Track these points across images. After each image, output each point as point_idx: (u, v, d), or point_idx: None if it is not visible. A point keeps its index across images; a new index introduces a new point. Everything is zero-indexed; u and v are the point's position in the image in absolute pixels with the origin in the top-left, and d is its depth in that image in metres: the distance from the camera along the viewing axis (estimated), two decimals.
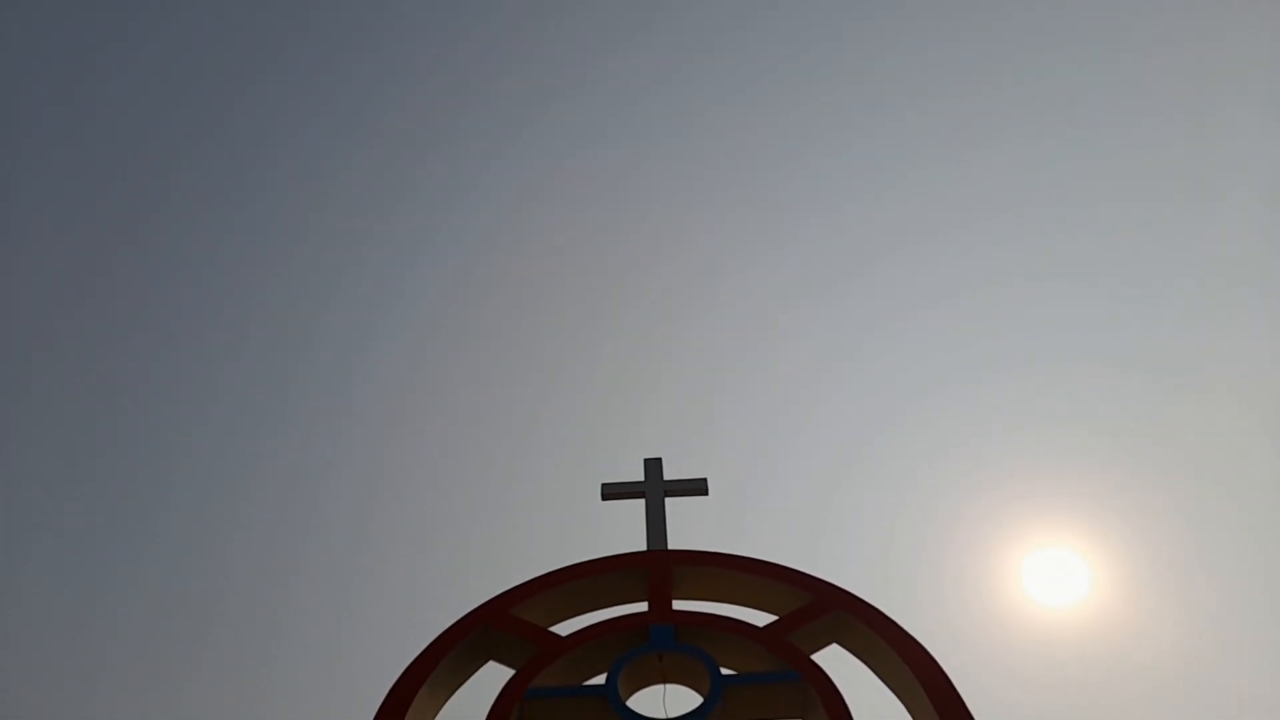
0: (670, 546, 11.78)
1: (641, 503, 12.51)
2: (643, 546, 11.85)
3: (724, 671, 10.08)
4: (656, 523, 12.10)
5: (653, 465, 13.01)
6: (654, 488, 12.58)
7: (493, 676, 10.53)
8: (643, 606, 11.08)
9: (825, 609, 10.58)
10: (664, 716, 9.73)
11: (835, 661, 10.17)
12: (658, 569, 11.33)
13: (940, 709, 9.12)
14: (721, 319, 38.46)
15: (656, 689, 10.48)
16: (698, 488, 12.64)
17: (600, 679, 10.26)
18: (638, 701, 10.15)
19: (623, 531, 12.63)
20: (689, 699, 10.22)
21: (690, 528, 13.12)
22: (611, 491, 12.75)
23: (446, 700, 10.51)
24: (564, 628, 11.08)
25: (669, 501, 12.57)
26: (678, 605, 10.99)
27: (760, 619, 10.84)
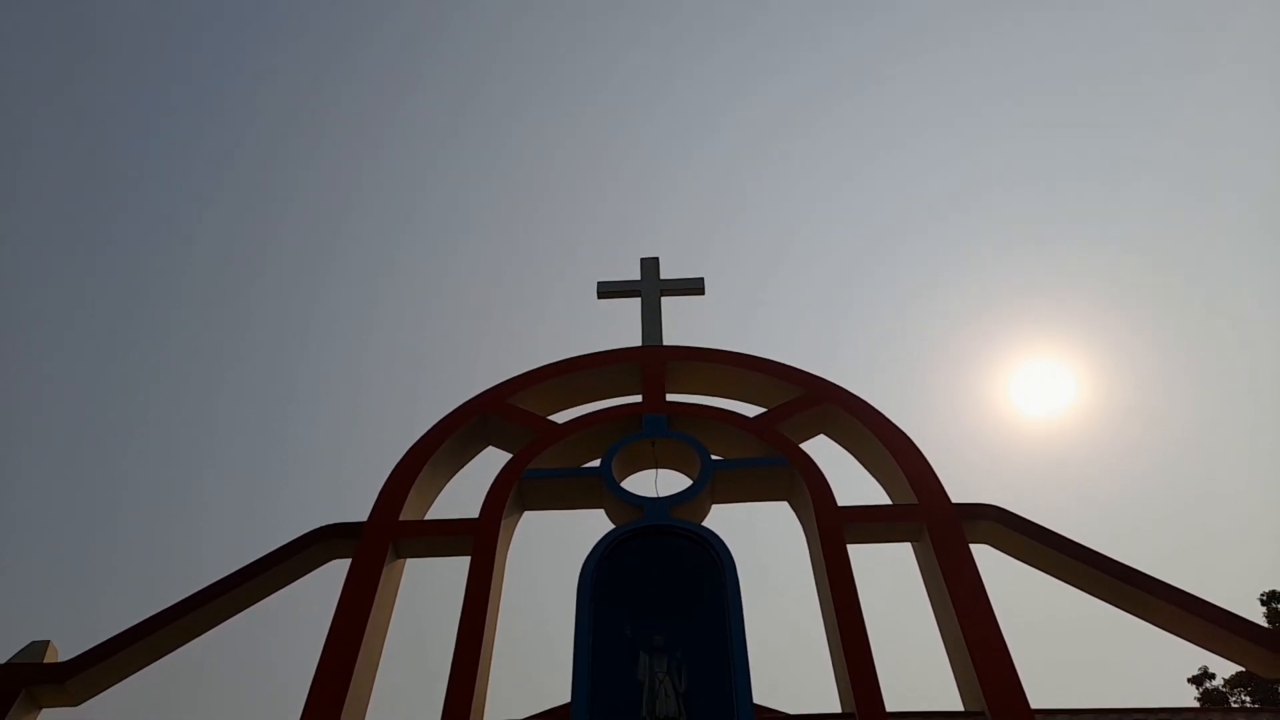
0: (665, 344, 11.94)
1: (638, 301, 12.57)
2: (638, 344, 12.00)
3: (714, 457, 10.46)
4: (652, 320, 12.19)
5: (649, 265, 12.97)
6: (650, 286, 12.59)
7: (493, 462, 10.92)
8: (637, 399, 11.37)
9: (815, 401, 10.86)
10: (655, 495, 10.17)
11: (820, 451, 10.55)
12: (652, 363, 11.53)
13: (919, 492, 9.53)
14: (727, 130, 37.48)
15: (648, 473, 10.92)
16: (694, 287, 12.65)
17: (595, 463, 10.67)
18: (630, 484, 10.59)
19: (620, 329, 12.77)
20: (680, 482, 10.67)
21: (686, 328, 13.27)
22: (607, 290, 12.78)
23: (449, 479, 10.96)
24: (560, 418, 11.41)
25: (666, 302, 12.64)
26: (671, 398, 11.27)
27: (751, 412, 11.15)
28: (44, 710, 8.30)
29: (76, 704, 8.31)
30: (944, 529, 9.01)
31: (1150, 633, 8.39)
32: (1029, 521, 9.08)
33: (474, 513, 9.67)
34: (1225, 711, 7.50)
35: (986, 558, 8.95)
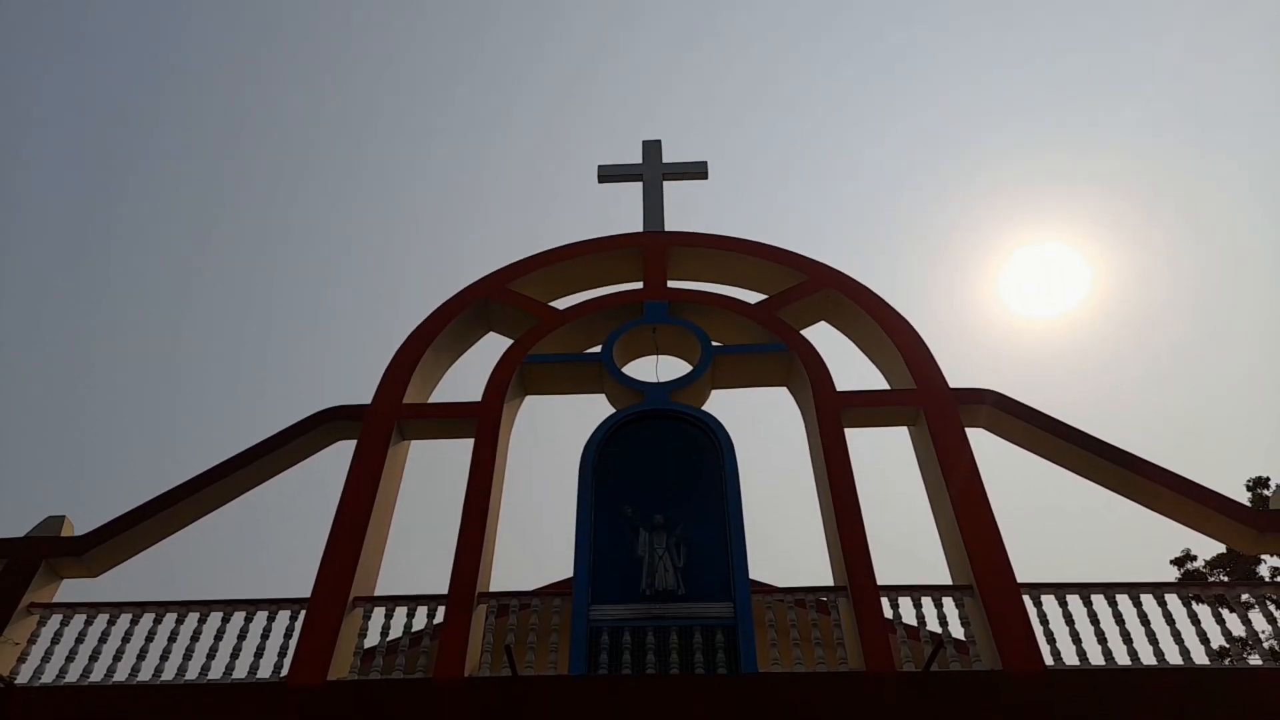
0: (667, 230, 11.82)
1: (639, 186, 12.38)
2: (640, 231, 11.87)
3: (714, 344, 10.51)
4: (654, 205, 12.02)
5: (651, 148, 12.71)
6: (652, 170, 12.37)
7: (495, 349, 10.95)
8: (638, 285, 11.34)
9: (816, 287, 10.83)
10: (656, 381, 10.28)
11: (820, 339, 10.58)
12: (653, 249, 11.44)
13: (918, 377, 9.61)
14: (732, 11, 36.08)
15: (649, 359, 10.99)
16: (697, 171, 12.43)
17: (596, 349, 10.73)
18: (631, 370, 10.67)
19: (621, 220, 12.60)
20: (680, 369, 10.75)
21: (688, 216, 13.09)
22: (609, 174, 12.56)
23: (451, 364, 11.04)
24: (561, 304, 11.41)
25: (668, 187, 12.45)
26: (672, 285, 11.24)
27: (752, 299, 11.14)
28: (64, 581, 8.62)
29: (95, 575, 8.62)
30: (941, 413, 9.13)
31: (1136, 519, 8.64)
32: (1025, 406, 9.20)
33: (477, 398, 9.78)
34: (1204, 585, 7.75)
35: (980, 442, 9.10)
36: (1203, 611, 7.69)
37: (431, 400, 10.48)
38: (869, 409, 9.44)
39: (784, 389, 10.57)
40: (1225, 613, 8.95)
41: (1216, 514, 8.20)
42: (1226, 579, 16.77)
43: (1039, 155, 34.80)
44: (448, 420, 9.69)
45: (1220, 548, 17.17)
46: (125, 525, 8.62)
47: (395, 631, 8.14)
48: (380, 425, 9.43)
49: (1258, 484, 17.62)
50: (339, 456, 9.44)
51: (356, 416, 9.62)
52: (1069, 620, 7.50)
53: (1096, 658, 7.33)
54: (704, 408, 10.12)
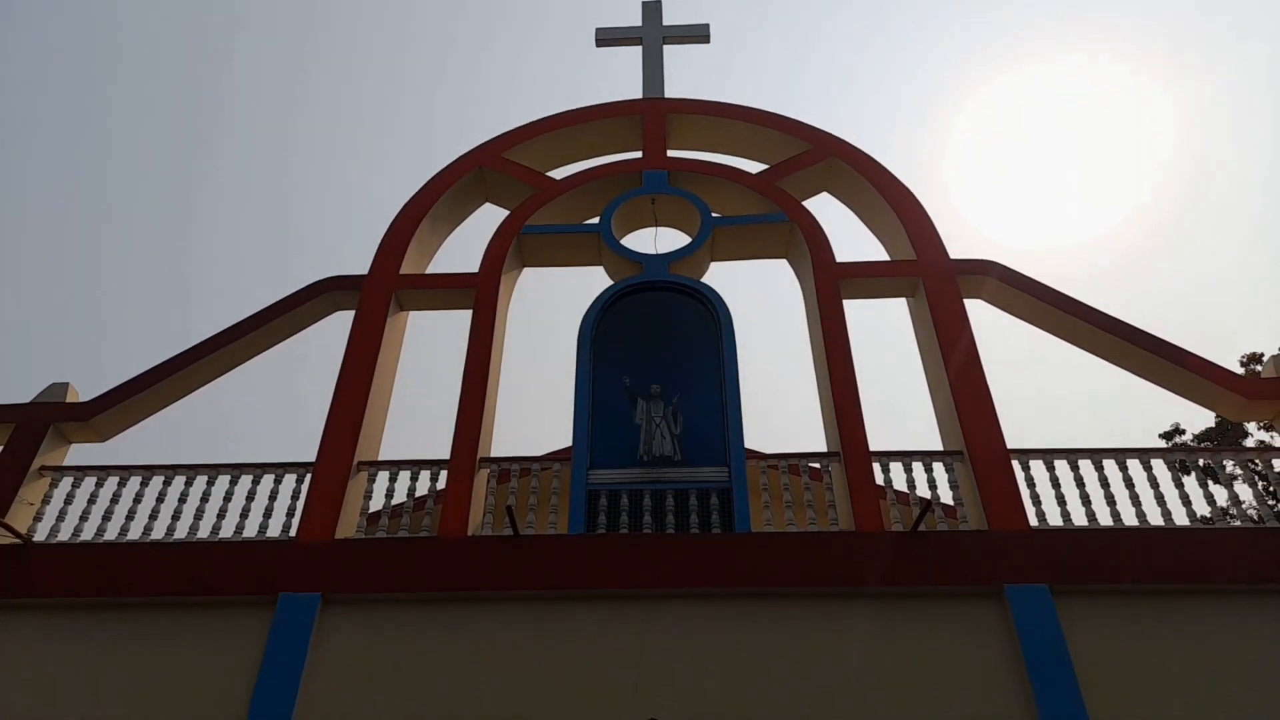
0: (667, 97, 11.49)
1: (639, 50, 11.96)
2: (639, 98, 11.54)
3: (714, 214, 10.38)
4: (653, 70, 11.65)
5: (651, 9, 12.21)
6: (652, 33, 11.92)
7: (491, 221, 10.82)
8: (637, 155, 11.11)
9: (820, 156, 10.61)
10: (654, 252, 10.20)
11: (821, 212, 10.43)
12: (653, 116, 11.16)
13: (919, 248, 9.53)
14: None
15: (648, 231, 10.88)
16: (698, 33, 11.98)
17: (594, 220, 10.59)
18: (629, 242, 10.57)
19: (621, 80, 12.21)
20: (679, 241, 10.66)
21: (689, 86, 12.67)
22: (607, 37, 12.11)
23: (447, 235, 10.94)
24: (559, 174, 11.20)
25: (669, 52, 12.03)
26: (672, 154, 11.01)
27: (754, 169, 10.93)
28: (73, 446, 8.80)
29: (103, 440, 8.80)
30: (940, 283, 9.11)
31: (1127, 397, 8.74)
32: (1025, 277, 9.17)
33: (474, 269, 9.72)
34: (1189, 450, 7.92)
35: (977, 315, 9.11)
36: (1190, 484, 7.88)
37: (429, 271, 10.44)
38: (868, 280, 9.41)
39: (783, 261, 10.51)
40: (1211, 484, 9.18)
41: (1207, 382, 8.30)
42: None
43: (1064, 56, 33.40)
44: (445, 291, 9.67)
45: (1208, 421, 17.47)
46: (130, 391, 8.74)
47: (399, 496, 8.38)
48: (377, 295, 9.42)
49: (1252, 359, 17.77)
50: (340, 327, 9.48)
51: (354, 286, 9.60)
52: (1055, 484, 7.69)
53: (1080, 520, 7.56)
54: (703, 280, 10.08)
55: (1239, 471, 15.82)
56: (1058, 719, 6.23)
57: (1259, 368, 17.40)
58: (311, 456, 8.18)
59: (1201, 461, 7.76)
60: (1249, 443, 16.77)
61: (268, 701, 6.56)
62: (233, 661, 6.82)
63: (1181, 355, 8.43)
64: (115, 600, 7.20)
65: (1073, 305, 8.96)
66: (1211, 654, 6.57)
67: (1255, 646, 6.59)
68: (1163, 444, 18.11)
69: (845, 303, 9.20)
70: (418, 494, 8.95)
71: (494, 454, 8.88)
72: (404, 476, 8.91)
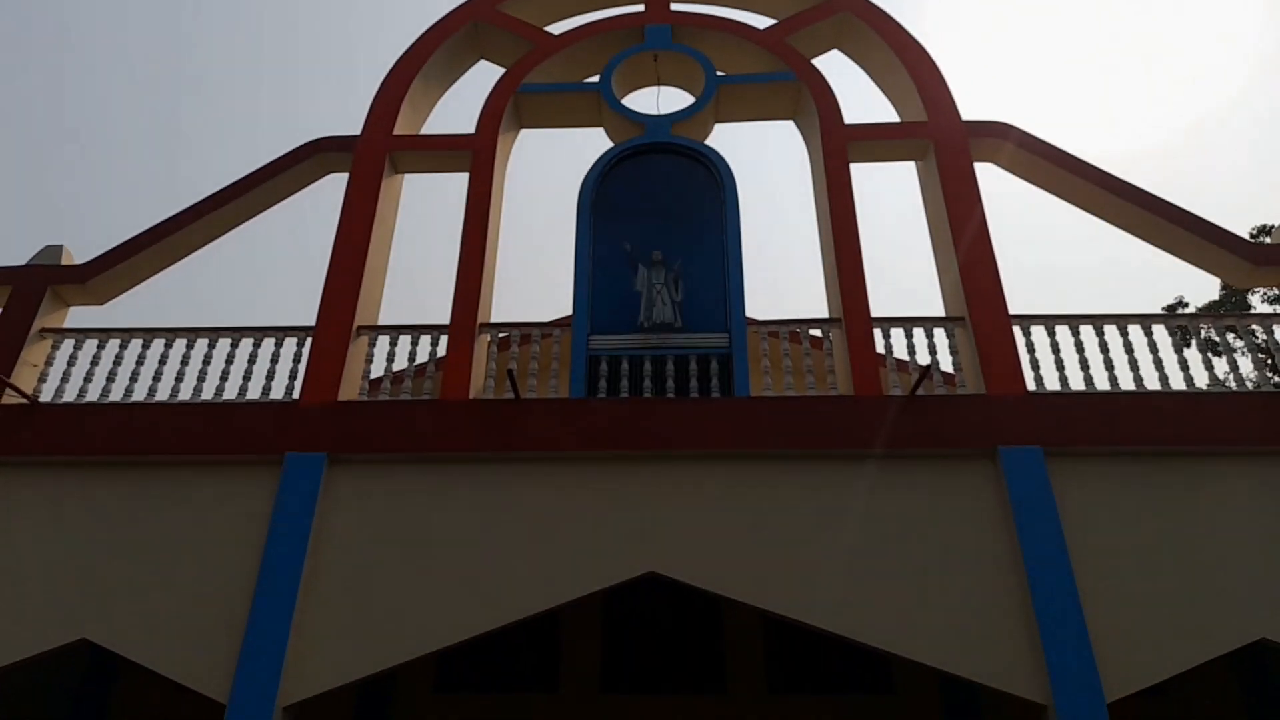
0: None
1: None
2: None
3: (719, 73, 9.99)
4: None
5: None
6: None
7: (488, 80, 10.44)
8: (639, 8, 10.61)
9: (830, 10, 10.12)
10: (656, 113, 9.88)
11: (830, 72, 10.05)
12: None
13: (930, 109, 9.22)
14: None
15: (650, 90, 10.51)
16: None
17: (594, 78, 10.20)
18: (631, 102, 10.23)
19: None
20: (682, 101, 10.31)
21: None
22: None
23: (441, 94, 10.57)
24: (557, 30, 10.73)
25: None
26: (676, 8, 10.51)
27: (761, 24, 10.46)
28: (72, 309, 8.77)
29: (102, 303, 8.76)
30: (950, 145, 8.85)
31: (1132, 268, 8.61)
32: (1037, 139, 8.91)
33: (470, 131, 9.44)
34: (1191, 317, 7.89)
35: (987, 182, 8.91)
36: (1191, 356, 7.87)
37: (424, 133, 10.14)
38: (877, 142, 9.14)
39: (789, 123, 10.20)
40: (1212, 357, 9.19)
41: (1215, 247, 8.18)
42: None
43: None
44: (441, 153, 9.42)
45: (1212, 295, 17.39)
46: (126, 253, 8.64)
47: (400, 361, 8.43)
48: (371, 156, 9.18)
49: (1261, 231, 17.53)
50: (337, 191, 9.29)
51: (347, 148, 9.35)
52: (1055, 349, 7.69)
53: (1078, 385, 7.61)
54: (707, 142, 9.81)
55: (1239, 343, 15.92)
56: (1044, 576, 6.43)
57: (1267, 239, 17.20)
58: (312, 321, 8.16)
59: (1203, 332, 7.71)
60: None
61: (279, 557, 6.76)
62: (243, 519, 7.00)
63: (1191, 220, 8.28)
64: (125, 459, 7.34)
65: (1085, 169, 8.74)
66: (1200, 515, 6.73)
67: (1244, 508, 6.74)
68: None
69: (853, 167, 8.98)
70: (418, 360, 9.02)
71: (496, 320, 8.85)
72: (404, 341, 8.99)
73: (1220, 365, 16.74)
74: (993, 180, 9.22)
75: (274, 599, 6.58)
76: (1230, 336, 13.87)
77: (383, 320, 8.87)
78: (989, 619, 6.39)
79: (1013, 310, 7.87)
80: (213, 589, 6.70)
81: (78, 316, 8.83)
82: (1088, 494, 6.82)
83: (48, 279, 8.47)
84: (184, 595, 6.69)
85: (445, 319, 8.24)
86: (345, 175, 9.19)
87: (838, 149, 8.96)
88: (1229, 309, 17.28)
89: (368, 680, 7.09)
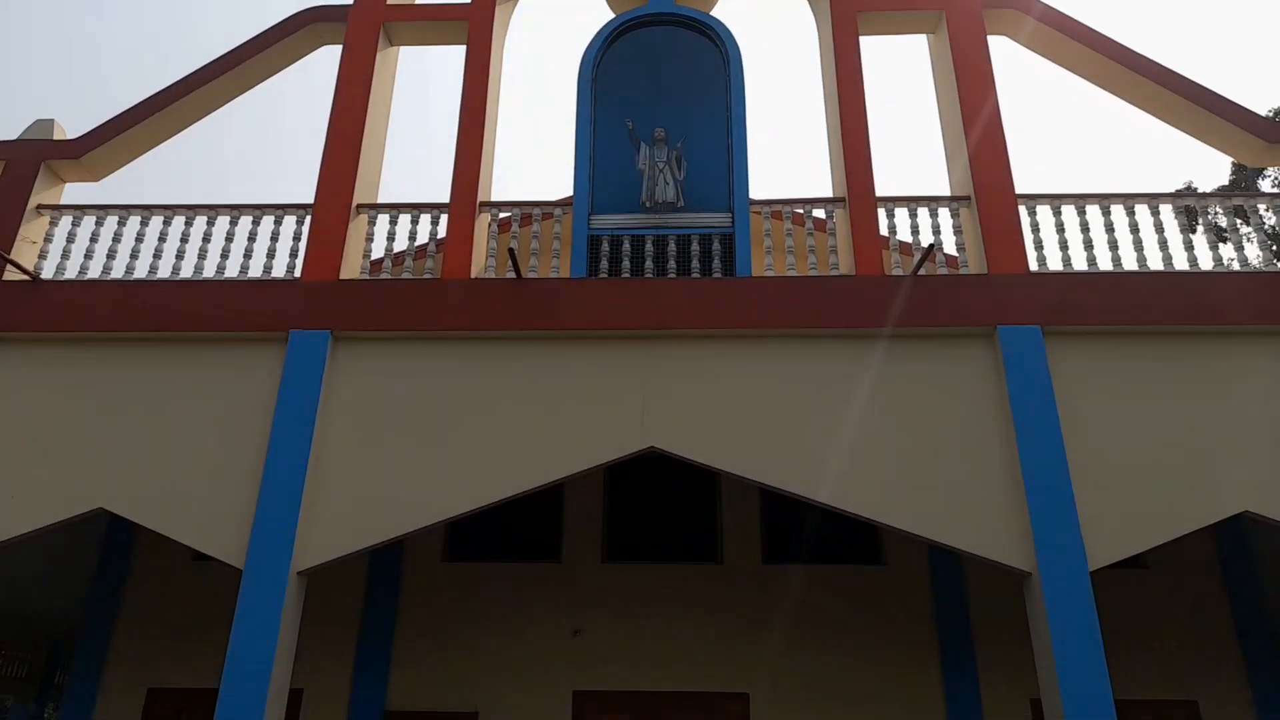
0: None
1: None
2: None
3: None
4: None
5: None
6: None
7: None
8: None
9: None
10: None
11: None
12: None
13: None
14: None
15: None
16: None
17: None
18: None
19: None
20: None
21: None
22: None
23: None
24: None
25: None
26: None
27: None
28: (68, 186, 8.68)
29: (97, 179, 8.66)
30: (964, 16, 8.54)
31: (1142, 150, 8.42)
32: (1055, 10, 8.58)
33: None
34: (1198, 196, 7.80)
35: (1001, 58, 8.62)
36: (1198, 241, 7.80)
37: (419, 2, 9.76)
38: (888, 13, 8.81)
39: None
40: (1219, 244, 9.11)
41: (1229, 123, 8.00)
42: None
43: None
44: (437, 23, 9.10)
45: (1222, 178, 17.11)
46: (118, 127, 8.48)
47: (401, 241, 8.39)
48: (364, 27, 8.88)
49: (1278, 113, 17.11)
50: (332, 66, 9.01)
51: (339, 18, 9.03)
52: (1060, 229, 7.62)
53: (1081, 265, 7.58)
54: (711, 13, 9.46)
55: (1246, 229, 15.73)
56: (1036, 451, 6.58)
57: None
58: (311, 200, 8.08)
59: (1211, 214, 7.64)
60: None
61: (287, 431, 6.90)
62: (251, 395, 7.11)
63: (1205, 95, 8.07)
64: (131, 335, 7.40)
65: (1102, 42, 8.46)
66: (1195, 393, 6.82)
67: (1239, 387, 6.83)
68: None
69: (863, 40, 8.69)
70: (419, 240, 8.96)
71: (497, 197, 8.76)
72: (404, 220, 8.88)
73: (1226, 251, 16.60)
74: (1004, 52, 8.91)
75: (285, 471, 6.76)
76: (1238, 223, 13.72)
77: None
78: (980, 492, 6.57)
79: (1019, 190, 7.76)
80: (224, 461, 6.88)
81: (74, 195, 8.74)
82: (1084, 373, 6.91)
83: (41, 154, 8.34)
84: (196, 468, 6.87)
85: (446, 198, 8.15)
86: (339, 48, 8.92)
87: (848, 20, 8.65)
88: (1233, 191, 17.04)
89: (379, 549, 7.39)
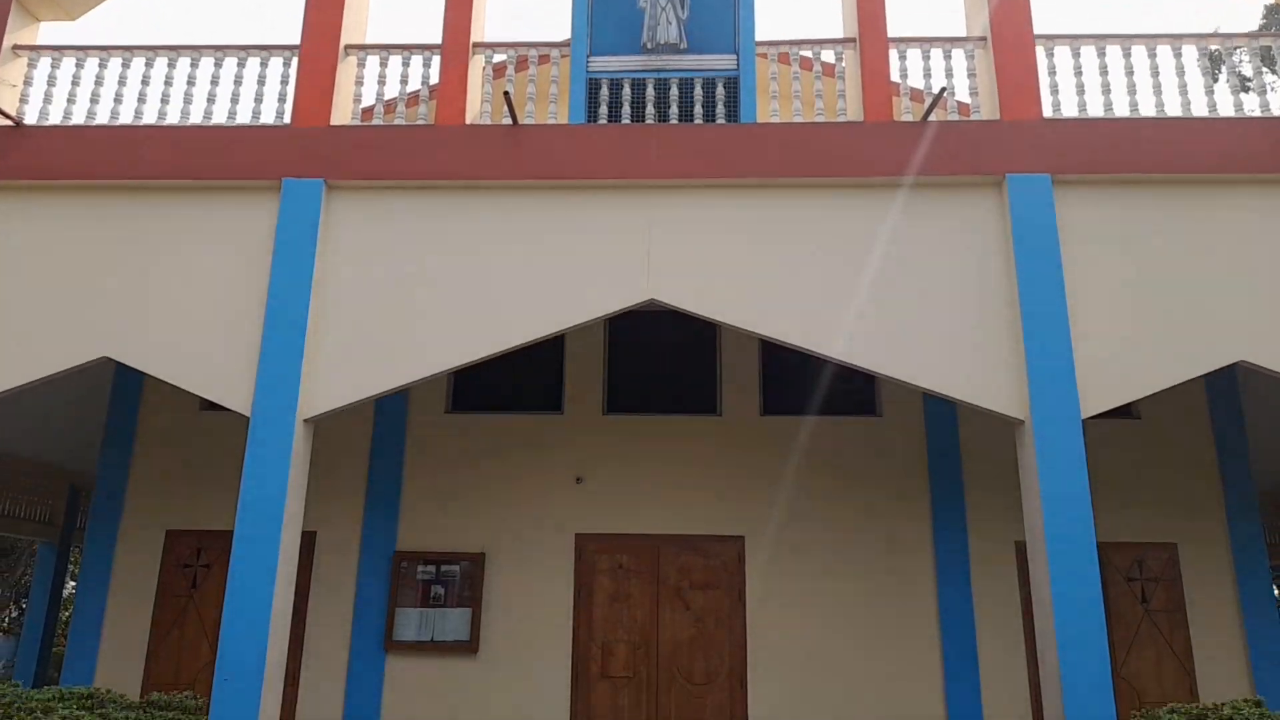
0: None
1: None
2: None
3: None
4: None
5: None
6: None
7: None
8: None
9: None
10: None
11: None
12: None
13: None
14: None
15: None
16: None
17: None
18: None
19: None
20: None
21: None
22: None
23: None
24: None
25: None
26: None
27: None
28: (43, 25, 8.29)
29: (74, 18, 8.26)
30: None
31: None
32: None
33: None
34: (1224, 36, 7.45)
35: None
36: (1220, 89, 7.48)
37: None
38: None
39: None
40: (1241, 95, 8.73)
41: None
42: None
43: None
44: None
45: (1252, 23, 16.31)
46: None
47: (393, 88, 8.06)
48: None
49: None
50: None
51: None
52: (1078, 73, 7.31)
53: (1097, 112, 7.33)
54: None
55: (1271, 79, 15.15)
56: (1036, 301, 6.56)
57: None
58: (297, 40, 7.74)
59: (1237, 59, 7.29)
60: None
61: (286, 280, 6.86)
62: (247, 244, 7.03)
63: None
64: (120, 183, 7.25)
65: None
66: (1200, 242, 6.73)
67: (1246, 235, 6.72)
68: None
69: None
70: (411, 86, 8.61)
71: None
72: (395, 63, 8.48)
73: (1250, 101, 16.06)
74: None
75: (285, 320, 6.77)
76: (1263, 69, 13.18)
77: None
78: (977, 342, 6.60)
79: (1037, 31, 7.41)
80: (224, 310, 6.88)
81: (52, 37, 8.35)
82: (1091, 222, 6.80)
83: None
84: (196, 317, 6.88)
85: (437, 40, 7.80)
86: None
87: None
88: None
89: (385, 399, 7.50)
